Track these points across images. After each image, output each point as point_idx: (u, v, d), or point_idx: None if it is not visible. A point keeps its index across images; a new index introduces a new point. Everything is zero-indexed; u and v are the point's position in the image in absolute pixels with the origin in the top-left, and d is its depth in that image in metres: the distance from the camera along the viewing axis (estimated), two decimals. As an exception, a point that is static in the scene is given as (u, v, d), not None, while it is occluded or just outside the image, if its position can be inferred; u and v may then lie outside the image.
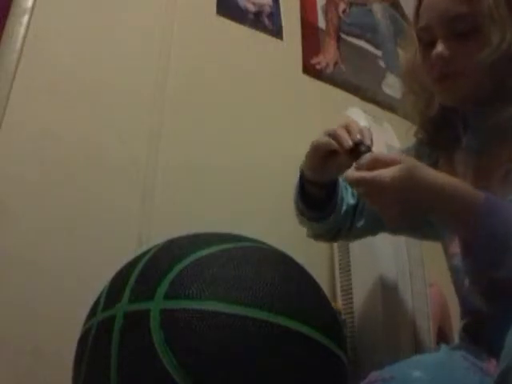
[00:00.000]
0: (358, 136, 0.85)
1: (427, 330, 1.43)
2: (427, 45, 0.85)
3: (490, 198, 0.70)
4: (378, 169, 0.71)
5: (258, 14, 1.97)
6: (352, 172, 0.76)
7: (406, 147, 1.11)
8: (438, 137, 0.93)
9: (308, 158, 1.00)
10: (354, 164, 0.76)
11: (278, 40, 1.98)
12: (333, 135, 0.91)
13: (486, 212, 0.68)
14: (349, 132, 0.87)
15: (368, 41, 2.25)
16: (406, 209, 0.71)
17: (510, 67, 0.78)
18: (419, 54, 0.88)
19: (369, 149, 0.83)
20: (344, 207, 1.11)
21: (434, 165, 0.94)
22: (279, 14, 2.03)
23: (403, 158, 0.72)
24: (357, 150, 0.83)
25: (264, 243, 0.61)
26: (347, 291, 1.55)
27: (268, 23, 1.98)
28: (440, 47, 0.81)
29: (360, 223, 1.12)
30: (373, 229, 1.15)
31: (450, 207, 0.71)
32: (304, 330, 0.53)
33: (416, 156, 1.00)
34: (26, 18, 1.48)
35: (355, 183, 0.74)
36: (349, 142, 0.85)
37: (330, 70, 2.05)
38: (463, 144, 0.87)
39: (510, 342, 0.57)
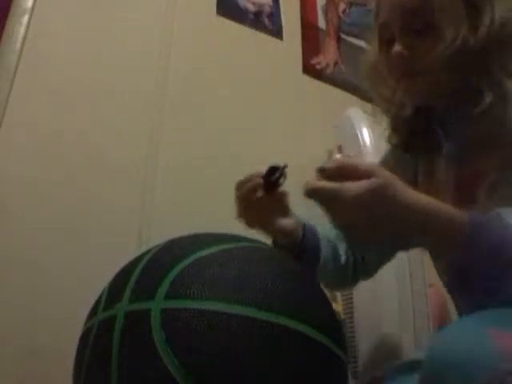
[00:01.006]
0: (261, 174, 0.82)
1: (427, 330, 1.43)
2: (388, 43, 0.80)
3: (474, 223, 0.61)
4: (344, 178, 0.60)
5: (258, 14, 1.97)
6: (311, 181, 0.62)
7: (381, 158, 1.01)
8: (414, 141, 0.86)
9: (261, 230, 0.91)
10: (316, 169, 0.63)
11: (278, 40, 1.98)
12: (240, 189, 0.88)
13: (474, 238, 0.60)
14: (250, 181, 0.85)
15: (368, 41, 2.25)
16: (371, 229, 0.61)
17: (470, 62, 0.73)
18: (381, 52, 0.83)
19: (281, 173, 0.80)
20: (344, 258, 0.96)
21: (414, 172, 0.89)
22: (279, 14, 2.03)
23: (378, 171, 0.61)
24: (272, 182, 0.80)
25: (264, 243, 0.61)
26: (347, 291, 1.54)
27: (268, 23, 1.98)
28: (397, 46, 0.77)
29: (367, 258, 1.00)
30: (384, 255, 1.03)
31: (432, 232, 0.62)
32: (304, 329, 0.53)
33: (395, 164, 0.93)
34: (26, 18, 1.48)
35: (311, 194, 0.61)
36: (258, 174, 0.82)
37: (330, 70, 2.06)
38: (444, 151, 0.81)
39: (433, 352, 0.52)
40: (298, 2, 2.11)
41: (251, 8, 1.96)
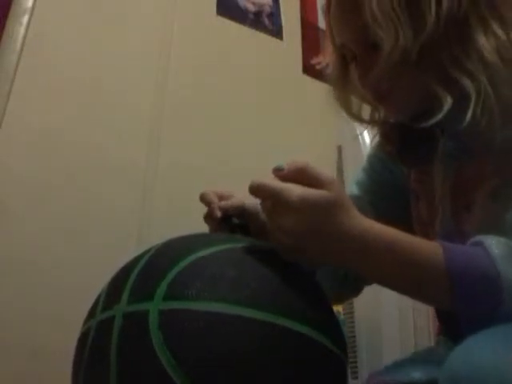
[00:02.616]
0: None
1: (427, 329, 1.43)
2: (352, 60, 0.75)
3: (456, 265, 0.54)
4: (298, 183, 0.55)
5: (258, 14, 1.97)
6: (260, 178, 0.57)
7: (371, 150, 0.92)
8: (408, 148, 0.78)
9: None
10: (273, 168, 0.58)
11: (278, 40, 1.99)
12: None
13: (459, 284, 0.53)
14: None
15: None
16: (303, 243, 0.55)
17: (428, 67, 0.66)
18: (348, 71, 0.78)
19: (242, 224, 0.72)
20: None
21: (408, 173, 0.83)
22: (279, 14, 2.03)
23: (334, 185, 0.55)
24: (228, 220, 0.72)
25: (264, 243, 0.61)
26: (347, 291, 1.54)
27: (268, 23, 1.99)
28: (357, 71, 0.72)
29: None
30: None
31: (397, 272, 0.56)
32: (304, 329, 0.53)
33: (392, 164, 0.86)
34: (26, 18, 1.48)
35: (255, 189, 0.57)
36: (217, 213, 0.73)
37: (330, 70, 2.06)
38: (440, 147, 0.73)
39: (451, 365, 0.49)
40: (297, 2, 2.11)
41: (251, 8, 1.96)
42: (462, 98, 0.64)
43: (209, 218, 0.76)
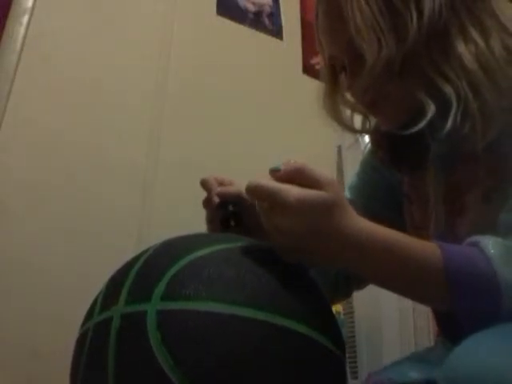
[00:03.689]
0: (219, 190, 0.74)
1: (427, 329, 1.43)
2: (342, 71, 0.75)
3: (454, 266, 0.54)
4: (296, 184, 0.54)
5: (257, 14, 1.97)
6: (257, 179, 0.55)
7: (364, 157, 0.93)
8: (400, 154, 0.78)
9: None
10: (270, 169, 0.57)
11: (278, 40, 1.99)
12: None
13: (456, 284, 0.54)
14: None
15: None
16: (299, 243, 0.54)
17: (412, 74, 0.66)
18: (338, 81, 0.78)
19: (236, 212, 0.73)
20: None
21: (400, 181, 0.83)
22: (279, 14, 2.03)
23: (333, 186, 0.54)
24: (224, 209, 0.74)
25: (262, 243, 0.61)
26: (347, 291, 1.54)
27: (268, 23, 1.99)
28: (346, 82, 0.73)
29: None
30: None
31: (394, 273, 0.56)
32: (303, 329, 0.53)
33: (387, 172, 0.86)
34: (26, 18, 1.48)
35: (252, 190, 0.55)
36: (215, 199, 0.74)
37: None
38: (431, 151, 0.73)
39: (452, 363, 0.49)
40: (297, 2, 2.11)
41: (251, 8, 1.96)
42: (443, 104, 0.64)
43: (207, 203, 0.79)
